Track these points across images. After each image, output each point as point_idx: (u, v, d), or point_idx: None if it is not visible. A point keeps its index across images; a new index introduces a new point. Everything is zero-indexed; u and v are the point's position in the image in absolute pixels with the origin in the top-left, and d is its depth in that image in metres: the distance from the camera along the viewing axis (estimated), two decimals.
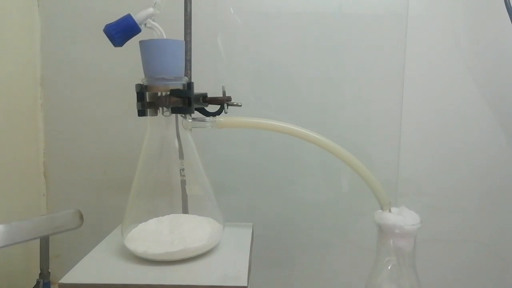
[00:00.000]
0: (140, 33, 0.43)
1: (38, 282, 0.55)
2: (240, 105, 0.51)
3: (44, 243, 0.54)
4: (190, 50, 0.56)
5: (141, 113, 0.45)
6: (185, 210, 0.48)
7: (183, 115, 0.46)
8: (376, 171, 0.47)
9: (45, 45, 0.67)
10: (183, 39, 0.55)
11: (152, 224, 0.46)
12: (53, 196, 0.70)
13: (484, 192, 0.68)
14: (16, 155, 0.63)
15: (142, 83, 0.44)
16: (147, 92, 0.44)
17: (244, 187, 0.69)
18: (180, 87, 0.44)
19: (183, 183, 0.47)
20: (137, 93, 0.44)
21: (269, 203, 0.69)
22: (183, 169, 0.47)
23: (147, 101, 0.44)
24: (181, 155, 0.47)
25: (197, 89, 0.47)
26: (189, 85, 0.45)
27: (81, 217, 0.46)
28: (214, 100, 0.49)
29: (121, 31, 0.42)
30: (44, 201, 0.69)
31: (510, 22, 0.57)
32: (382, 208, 0.47)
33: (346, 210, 0.69)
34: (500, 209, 0.68)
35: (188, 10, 0.55)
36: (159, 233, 0.44)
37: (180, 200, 0.48)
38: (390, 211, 0.47)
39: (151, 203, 0.47)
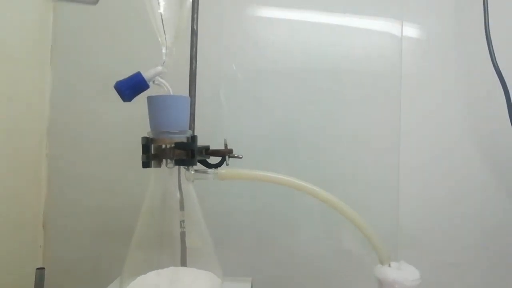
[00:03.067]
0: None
1: None
2: (241, 157, 0.52)
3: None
4: (194, 104, 0.58)
5: (146, 164, 0.45)
6: (183, 263, 0.48)
7: (186, 166, 0.47)
8: (375, 221, 0.48)
9: (55, 99, 0.70)
10: (187, 93, 0.57)
11: (151, 277, 0.46)
12: (51, 247, 0.69)
13: (485, 231, 0.69)
14: (17, 204, 0.63)
15: (148, 136, 0.46)
16: (152, 145, 0.46)
17: (243, 241, 0.69)
18: (184, 140, 0.46)
19: (183, 235, 0.47)
20: (143, 145, 0.45)
21: (269, 257, 0.68)
22: (183, 221, 0.47)
23: (152, 153, 0.46)
24: (182, 207, 0.47)
25: (200, 141, 0.48)
26: (193, 138, 0.46)
27: None
28: (216, 153, 0.51)
29: (131, 87, 0.44)
30: (41, 252, 0.69)
31: (499, 81, 0.61)
32: (381, 263, 0.47)
33: (346, 262, 0.68)
34: (501, 261, 0.68)
35: (193, 67, 0.58)
36: None
37: (179, 253, 0.47)
38: (389, 265, 0.46)
39: (151, 255, 0.47)
